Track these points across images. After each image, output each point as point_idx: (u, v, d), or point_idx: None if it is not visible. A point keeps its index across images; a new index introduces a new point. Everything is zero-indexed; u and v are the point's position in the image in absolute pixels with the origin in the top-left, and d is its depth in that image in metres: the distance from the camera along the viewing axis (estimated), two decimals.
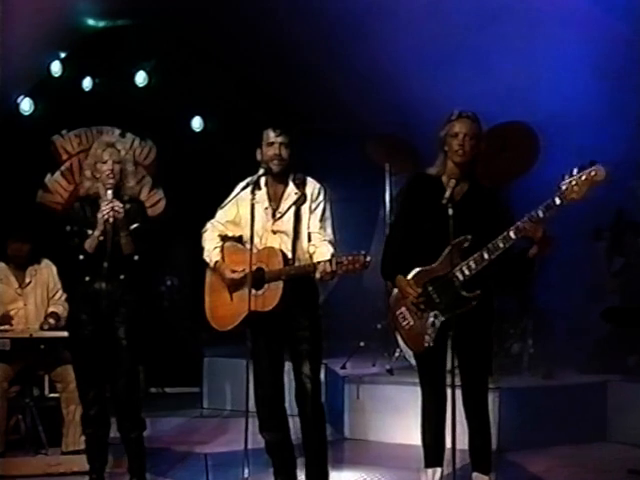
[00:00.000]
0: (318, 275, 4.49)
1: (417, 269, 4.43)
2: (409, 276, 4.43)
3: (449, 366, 4.41)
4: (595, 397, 6.38)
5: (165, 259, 8.72)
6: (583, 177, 4.12)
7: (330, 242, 4.73)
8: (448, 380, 4.40)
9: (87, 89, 8.69)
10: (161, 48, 8.86)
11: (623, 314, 6.82)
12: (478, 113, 4.51)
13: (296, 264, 4.67)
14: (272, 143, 4.73)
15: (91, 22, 8.52)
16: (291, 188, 4.78)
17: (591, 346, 7.00)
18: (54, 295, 6.37)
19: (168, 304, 9.06)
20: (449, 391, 4.35)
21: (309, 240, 4.75)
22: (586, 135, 6.93)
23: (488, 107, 5.11)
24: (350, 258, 4.46)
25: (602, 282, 7.25)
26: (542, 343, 6.79)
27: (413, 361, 4.58)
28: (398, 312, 4.51)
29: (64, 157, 8.10)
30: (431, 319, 4.38)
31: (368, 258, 4.45)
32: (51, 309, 6.32)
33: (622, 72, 7.08)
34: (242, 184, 4.79)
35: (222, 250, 4.87)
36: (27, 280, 6.34)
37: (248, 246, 4.68)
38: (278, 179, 4.80)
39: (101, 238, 4.99)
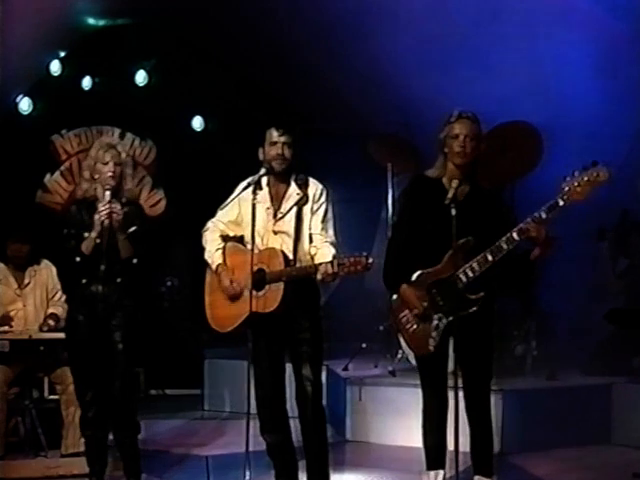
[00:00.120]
0: (319, 277, 4.46)
1: (419, 271, 4.41)
2: (412, 278, 4.40)
3: (451, 368, 4.39)
4: (600, 399, 6.34)
5: (165, 260, 8.70)
6: (585, 178, 4.11)
7: (332, 243, 4.72)
8: (450, 382, 4.39)
9: (87, 88, 8.68)
10: (161, 47, 8.86)
11: (627, 315, 6.79)
12: (479, 113, 4.49)
13: (297, 265, 4.65)
14: (275, 142, 4.71)
15: (91, 21, 8.52)
16: (293, 188, 4.77)
17: (595, 347, 6.97)
18: (53, 296, 6.35)
19: (168, 305, 9.05)
20: (451, 393, 4.32)
21: (310, 241, 4.74)
22: (589, 136, 6.92)
23: (489, 107, 5.09)
24: (352, 259, 4.43)
25: (605, 283, 7.23)
26: (545, 345, 6.77)
27: (414, 362, 4.55)
28: (401, 315, 4.48)
29: (63, 157, 8.07)
30: (435, 322, 4.35)
31: (370, 260, 4.42)
32: (50, 310, 6.29)
33: (624, 72, 7.07)
34: (243, 184, 4.77)
35: (224, 252, 4.84)
36: (26, 281, 6.32)
37: (249, 247, 4.67)
38: (280, 179, 4.78)
39: (98, 240, 4.96)
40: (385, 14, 7.54)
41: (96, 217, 4.93)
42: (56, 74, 8.52)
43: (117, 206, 4.96)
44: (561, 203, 4.14)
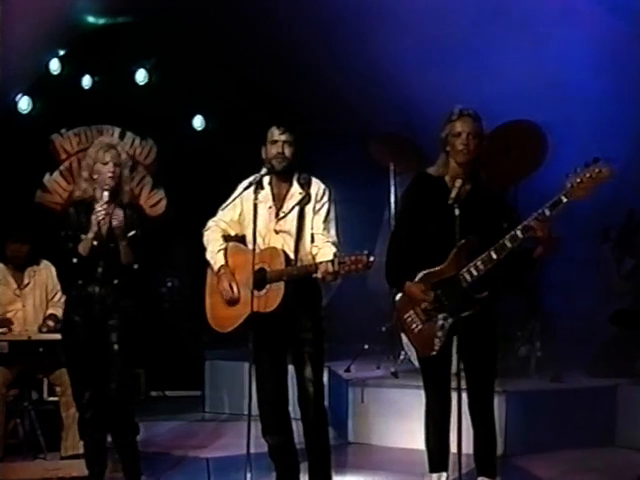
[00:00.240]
0: (320, 275, 4.44)
1: (423, 272, 4.39)
2: (415, 279, 4.38)
3: (454, 369, 4.35)
4: (604, 401, 6.30)
5: (165, 260, 8.67)
6: (587, 174, 4.10)
7: (333, 243, 4.70)
8: (453, 383, 4.35)
9: (86, 87, 8.64)
10: (161, 46, 8.83)
11: (632, 317, 6.75)
12: (481, 112, 4.48)
13: (298, 265, 4.60)
14: (276, 141, 4.69)
15: (91, 19, 8.49)
16: (295, 188, 4.75)
17: (599, 349, 6.94)
18: (53, 297, 6.32)
19: (168, 306, 9.02)
20: (455, 394, 4.28)
21: (312, 241, 4.72)
22: (592, 136, 6.90)
23: (491, 106, 5.06)
24: (353, 258, 4.41)
25: (610, 284, 7.20)
26: (550, 346, 6.74)
27: (417, 363, 4.52)
28: (406, 315, 4.45)
29: (63, 156, 8.02)
30: (440, 322, 4.33)
31: (371, 258, 4.40)
32: (50, 311, 6.27)
33: (626, 71, 7.05)
34: (244, 183, 4.74)
35: (225, 253, 4.80)
36: (26, 281, 6.30)
37: (251, 246, 4.63)
38: (282, 178, 4.76)
39: (95, 242, 4.91)
40: (385, 14, 7.54)
41: (93, 218, 4.89)
42: (56, 73, 8.49)
43: (117, 211, 4.92)
44: (564, 200, 4.12)
